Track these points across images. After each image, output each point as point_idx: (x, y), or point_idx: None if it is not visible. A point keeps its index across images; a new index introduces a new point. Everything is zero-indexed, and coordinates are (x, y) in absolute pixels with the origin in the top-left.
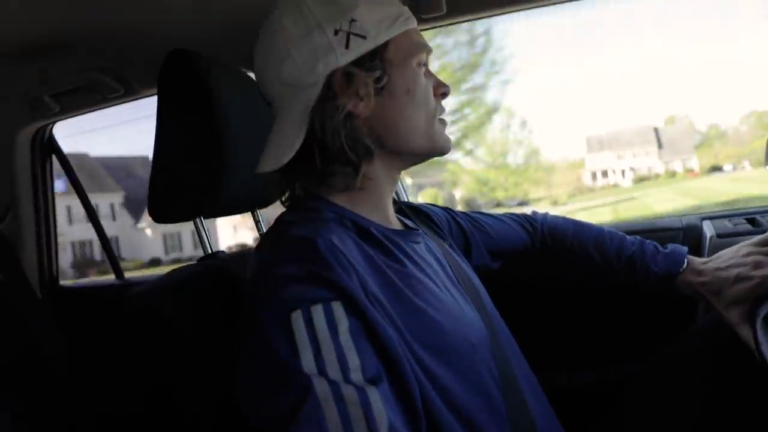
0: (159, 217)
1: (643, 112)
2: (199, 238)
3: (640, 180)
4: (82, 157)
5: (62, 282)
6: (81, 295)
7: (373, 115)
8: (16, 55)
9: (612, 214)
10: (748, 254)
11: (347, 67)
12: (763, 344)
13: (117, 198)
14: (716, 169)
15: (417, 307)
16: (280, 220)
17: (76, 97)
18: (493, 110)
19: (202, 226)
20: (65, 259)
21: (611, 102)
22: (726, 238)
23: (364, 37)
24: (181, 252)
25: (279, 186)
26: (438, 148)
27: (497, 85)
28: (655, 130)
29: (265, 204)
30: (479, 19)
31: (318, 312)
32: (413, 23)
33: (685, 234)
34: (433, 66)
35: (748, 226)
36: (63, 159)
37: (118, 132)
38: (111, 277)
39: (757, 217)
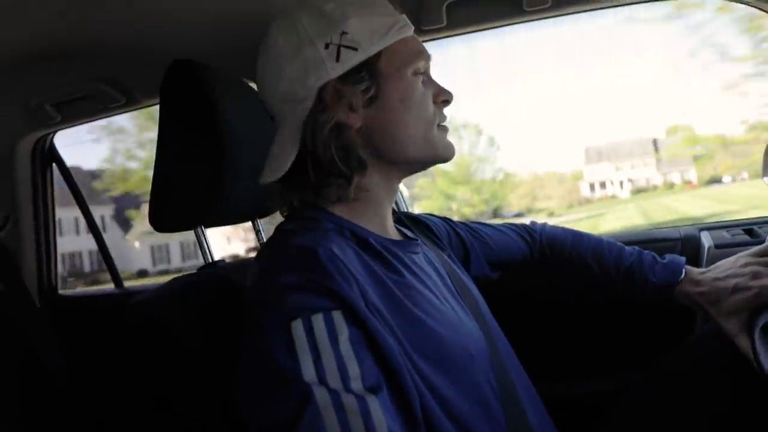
0: (160, 226)
1: (644, 122)
2: (200, 247)
3: (637, 191)
4: (75, 170)
5: (61, 291)
6: (80, 304)
7: (368, 125)
8: (18, 64)
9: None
10: (746, 264)
11: (338, 79)
12: (761, 354)
13: (107, 210)
14: (715, 180)
15: (416, 317)
16: (280, 229)
17: (77, 107)
18: (459, 127)
19: (203, 235)
20: None
21: (611, 113)
22: (724, 249)
23: (355, 49)
24: (169, 264)
25: (279, 196)
26: (438, 156)
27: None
28: (654, 141)
29: (266, 213)
30: (479, 31)
31: (318, 321)
32: (408, 31)
33: (684, 244)
34: None
35: (746, 237)
36: (64, 168)
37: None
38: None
39: (755, 227)
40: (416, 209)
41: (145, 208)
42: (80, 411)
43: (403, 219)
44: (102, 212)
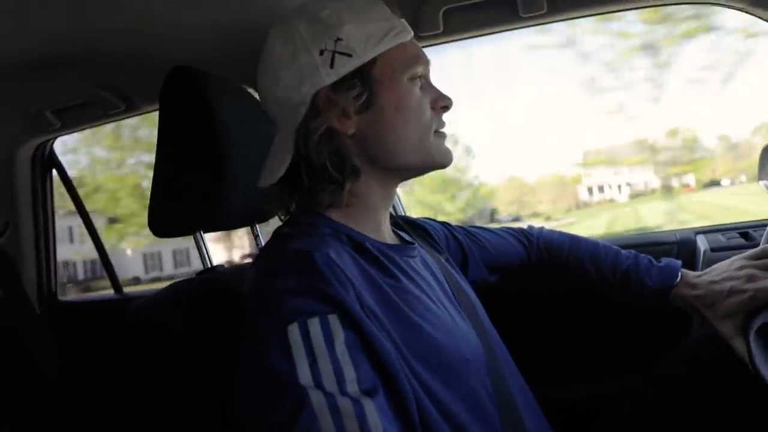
0: (159, 231)
1: (643, 125)
2: (199, 252)
3: (636, 195)
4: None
5: (60, 297)
6: (80, 310)
7: (362, 131)
8: (18, 71)
9: None
10: (741, 267)
11: (332, 85)
12: (756, 357)
13: (101, 219)
14: (713, 183)
15: (413, 321)
16: (277, 233)
17: (77, 113)
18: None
19: (202, 240)
20: None
21: (610, 116)
22: (719, 252)
23: (350, 56)
24: (161, 271)
25: (277, 201)
26: (434, 162)
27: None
28: (652, 145)
29: (265, 218)
30: (477, 36)
31: (315, 325)
32: (405, 36)
33: (680, 248)
34: None
35: (741, 240)
36: (64, 175)
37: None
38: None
39: (750, 231)
40: None
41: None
42: (80, 417)
43: (401, 223)
44: (96, 220)
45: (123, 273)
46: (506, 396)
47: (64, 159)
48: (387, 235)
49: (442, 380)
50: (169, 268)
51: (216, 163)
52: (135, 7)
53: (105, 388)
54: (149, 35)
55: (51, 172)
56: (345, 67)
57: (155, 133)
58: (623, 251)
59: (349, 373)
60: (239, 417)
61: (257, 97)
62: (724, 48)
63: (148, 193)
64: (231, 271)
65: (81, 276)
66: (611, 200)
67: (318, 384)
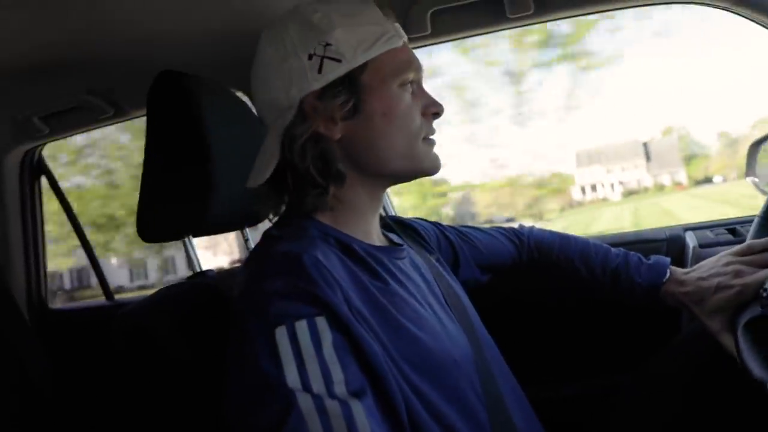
0: (148, 237)
1: (638, 124)
2: (187, 257)
3: (628, 193)
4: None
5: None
6: (70, 317)
7: (349, 137)
8: (5, 77)
9: None
10: (729, 263)
11: (320, 90)
12: (744, 351)
13: (87, 228)
14: (706, 181)
15: (400, 324)
16: (266, 235)
17: (65, 119)
18: None
19: (191, 245)
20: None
21: (603, 116)
22: (708, 248)
23: (339, 61)
24: (146, 279)
25: (266, 203)
26: (422, 169)
27: None
28: (644, 144)
29: (254, 222)
30: (465, 38)
31: (302, 327)
32: (396, 42)
33: (669, 245)
34: None
35: (729, 236)
36: (53, 181)
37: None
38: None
39: (737, 227)
40: None
41: None
42: (69, 425)
43: (391, 224)
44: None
45: (110, 281)
46: (496, 396)
47: None
48: (376, 237)
49: (431, 382)
50: (153, 277)
51: (204, 167)
52: (123, 13)
53: (95, 396)
54: (138, 41)
55: (40, 179)
56: (333, 72)
57: None
58: (613, 249)
59: (337, 375)
60: (228, 420)
61: (246, 101)
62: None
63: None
64: (221, 275)
65: (68, 286)
66: (604, 199)
67: (306, 386)
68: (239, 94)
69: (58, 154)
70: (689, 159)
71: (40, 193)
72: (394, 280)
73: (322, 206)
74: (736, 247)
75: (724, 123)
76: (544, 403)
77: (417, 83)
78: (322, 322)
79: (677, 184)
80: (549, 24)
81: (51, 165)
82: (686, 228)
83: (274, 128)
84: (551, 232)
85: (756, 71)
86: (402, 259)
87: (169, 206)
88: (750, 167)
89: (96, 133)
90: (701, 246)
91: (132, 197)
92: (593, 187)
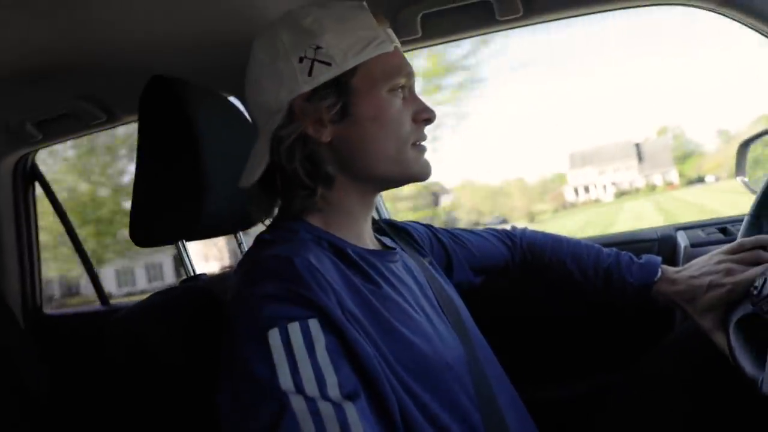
0: (141, 241)
1: (632, 124)
2: (181, 261)
3: (621, 194)
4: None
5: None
6: (65, 323)
7: (338, 140)
8: None
9: None
10: (720, 262)
11: (309, 93)
12: (736, 349)
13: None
14: (698, 180)
15: (393, 327)
16: (259, 239)
17: (58, 125)
18: None
19: (184, 249)
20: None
21: (596, 117)
22: (700, 248)
23: (329, 64)
24: (134, 286)
25: (258, 206)
26: (411, 175)
27: None
28: (637, 145)
29: (248, 225)
30: (455, 41)
31: (295, 330)
32: (388, 47)
33: (660, 245)
34: None
35: (720, 235)
36: (47, 187)
37: None
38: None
39: (728, 226)
40: None
41: None
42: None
43: (384, 227)
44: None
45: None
46: (489, 398)
47: None
48: (369, 240)
49: (424, 385)
50: (142, 284)
51: (196, 172)
52: (116, 19)
53: (90, 401)
54: (130, 47)
55: (33, 185)
56: (323, 75)
57: None
58: (605, 249)
59: (330, 378)
60: (221, 423)
61: (239, 106)
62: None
63: None
64: (214, 279)
65: (57, 294)
66: (597, 200)
67: (299, 389)
68: (232, 99)
69: None
70: (684, 158)
71: (34, 199)
72: (386, 283)
73: (310, 208)
74: (728, 246)
75: (717, 122)
76: (539, 404)
77: (409, 89)
78: (314, 325)
79: (669, 184)
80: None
81: None
82: (677, 227)
83: (265, 130)
84: (543, 234)
85: (746, 70)
86: (395, 263)
87: (163, 211)
88: (740, 167)
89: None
90: (693, 245)
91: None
92: (586, 189)
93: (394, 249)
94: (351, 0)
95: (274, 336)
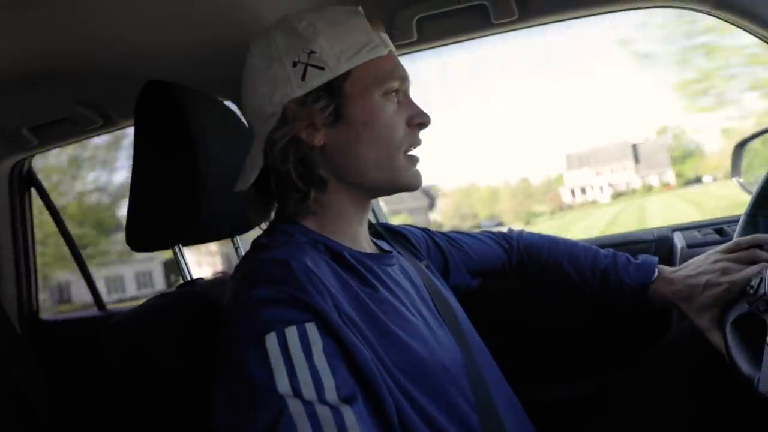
0: (137, 246)
1: (631, 125)
2: (178, 265)
3: (617, 195)
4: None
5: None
6: (62, 328)
7: (331, 144)
8: None
9: None
10: (717, 261)
11: (303, 98)
12: (732, 348)
13: None
14: (695, 181)
15: (390, 330)
16: (255, 243)
17: (54, 130)
18: None
19: (181, 253)
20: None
21: (594, 119)
22: (696, 249)
23: (322, 69)
24: (124, 293)
25: (254, 209)
26: (400, 184)
27: None
28: (633, 146)
29: (245, 230)
30: (451, 43)
31: (292, 333)
32: (381, 51)
33: (657, 246)
34: None
35: (716, 236)
36: (43, 192)
37: None
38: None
39: (724, 227)
40: None
41: None
42: None
43: (380, 230)
44: None
45: (84, 297)
46: (487, 401)
47: None
48: (365, 243)
49: (421, 388)
50: (131, 290)
51: (193, 176)
52: (112, 24)
53: (87, 407)
54: (126, 52)
55: (29, 191)
56: (316, 80)
57: None
58: (601, 251)
59: (328, 381)
60: (218, 427)
61: (235, 111)
62: None
63: None
64: (210, 283)
65: (48, 303)
66: (594, 201)
67: (296, 392)
68: (228, 103)
69: None
70: (684, 158)
71: (30, 204)
72: (383, 286)
73: (303, 211)
74: (724, 245)
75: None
76: (537, 406)
77: (403, 93)
78: (312, 329)
79: (665, 185)
80: None
81: None
82: (674, 229)
83: (259, 134)
84: (540, 236)
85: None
86: (391, 266)
87: (159, 215)
88: (735, 168)
89: None
90: (689, 246)
91: None
92: (582, 190)
93: (391, 252)
94: (346, 5)
95: (271, 340)
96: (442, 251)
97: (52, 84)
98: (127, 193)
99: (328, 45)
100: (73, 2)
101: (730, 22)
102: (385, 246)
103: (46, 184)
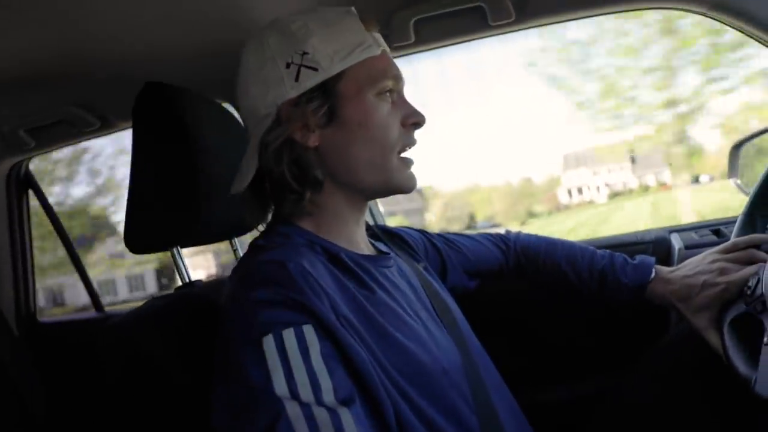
0: (135, 248)
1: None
2: (176, 267)
3: (614, 195)
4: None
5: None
6: (59, 330)
7: (325, 145)
8: None
9: None
10: (714, 261)
11: (296, 99)
12: (730, 348)
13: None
14: (693, 180)
15: (387, 332)
16: (253, 245)
17: (51, 132)
18: None
19: (179, 255)
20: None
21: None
22: (693, 250)
23: (315, 69)
24: (116, 296)
25: (251, 211)
26: (394, 186)
27: None
28: (629, 146)
29: (243, 231)
30: (448, 45)
31: (289, 335)
32: (374, 51)
33: (655, 247)
34: None
35: (713, 237)
36: (40, 195)
37: None
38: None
39: (721, 228)
40: None
41: None
42: None
43: (378, 232)
44: None
45: (76, 300)
46: (486, 403)
47: None
48: (363, 245)
49: (419, 390)
50: (123, 293)
51: (191, 177)
52: (110, 26)
53: (85, 409)
54: (124, 54)
55: (27, 193)
56: (310, 80)
57: None
58: (599, 251)
59: (325, 383)
60: (216, 429)
61: (232, 112)
62: None
63: None
64: (209, 285)
65: (42, 304)
66: (590, 201)
67: (294, 395)
68: (226, 105)
69: None
70: (684, 158)
71: (28, 206)
72: (381, 288)
73: (299, 212)
74: (721, 245)
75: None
76: (536, 408)
77: (397, 93)
78: (309, 331)
79: (662, 185)
80: None
81: None
82: (671, 230)
83: (254, 135)
84: (537, 237)
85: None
86: (389, 268)
87: (158, 217)
88: (732, 168)
89: None
90: (687, 247)
91: None
92: (579, 190)
93: (389, 254)
94: (340, 6)
95: (268, 342)
96: (439, 253)
97: (49, 86)
98: (87, 208)
99: (321, 45)
100: (70, 4)
101: (726, 24)
102: (382, 248)
103: None
